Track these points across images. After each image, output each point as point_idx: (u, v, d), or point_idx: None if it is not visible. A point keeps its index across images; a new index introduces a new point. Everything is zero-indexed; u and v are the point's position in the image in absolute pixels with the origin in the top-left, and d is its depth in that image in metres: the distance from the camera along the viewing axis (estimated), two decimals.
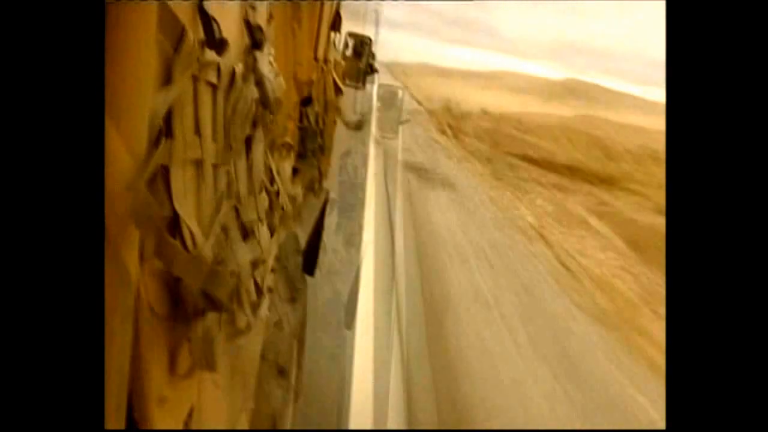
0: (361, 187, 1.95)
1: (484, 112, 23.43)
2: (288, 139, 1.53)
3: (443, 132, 16.74)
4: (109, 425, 0.56)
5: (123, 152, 0.52)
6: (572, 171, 14.86)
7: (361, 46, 3.49)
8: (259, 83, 1.00)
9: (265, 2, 1.14)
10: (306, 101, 1.91)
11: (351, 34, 3.69)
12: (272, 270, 1.35)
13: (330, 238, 1.32)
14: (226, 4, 0.85)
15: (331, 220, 1.36)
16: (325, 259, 1.29)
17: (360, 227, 2.24)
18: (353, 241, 2.09)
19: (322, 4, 1.97)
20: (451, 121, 19.63)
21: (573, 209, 10.21)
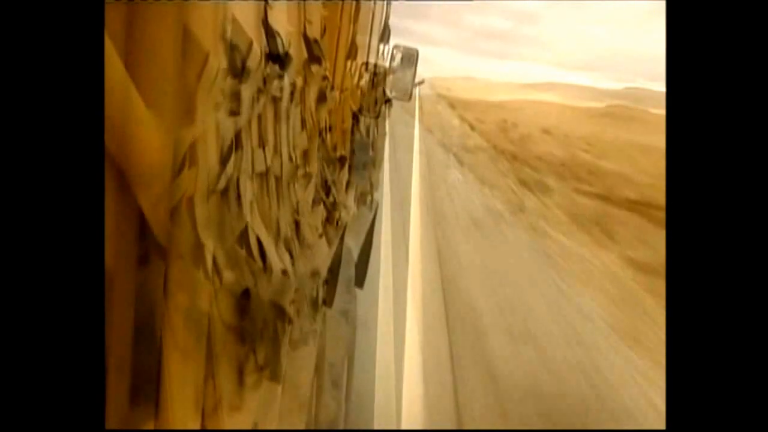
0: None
1: (546, 132, 20.31)
2: (343, 152, 1.54)
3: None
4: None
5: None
6: None
7: (409, 58, 3.50)
8: (318, 97, 1.01)
9: (319, 15, 1.16)
10: (357, 114, 1.93)
11: (397, 47, 3.71)
12: (325, 282, 1.35)
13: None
14: (284, 18, 0.86)
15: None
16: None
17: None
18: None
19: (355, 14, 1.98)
20: (512, 148, 15.37)
21: None
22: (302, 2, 0.96)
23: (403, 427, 3.06)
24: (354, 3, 1.68)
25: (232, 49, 0.60)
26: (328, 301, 1.43)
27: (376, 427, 3.03)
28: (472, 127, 18.80)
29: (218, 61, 0.56)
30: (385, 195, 7.31)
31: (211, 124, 0.57)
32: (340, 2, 1.46)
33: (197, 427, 0.58)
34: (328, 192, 1.24)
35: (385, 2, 2.83)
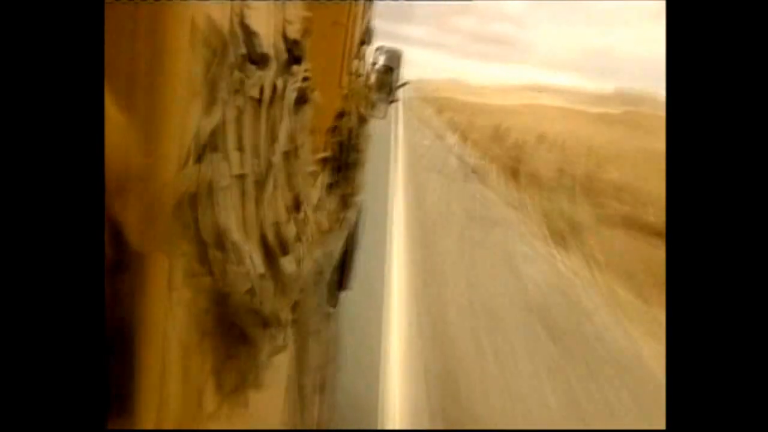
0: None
1: (542, 139, 18.87)
2: (325, 154, 1.53)
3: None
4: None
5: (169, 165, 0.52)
6: None
7: (393, 59, 3.51)
8: (299, 98, 1.00)
9: (301, 16, 1.15)
10: (340, 115, 1.92)
11: (380, 48, 3.72)
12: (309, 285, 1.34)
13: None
14: (264, 18, 0.85)
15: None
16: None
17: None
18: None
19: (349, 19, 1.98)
20: (510, 161, 14.28)
21: None
22: (283, 3, 0.95)
23: (399, 427, 3.07)
24: (350, 5, 1.68)
25: (208, 49, 0.60)
26: (329, 302, 1.43)
27: (368, 428, 3.03)
28: (465, 137, 18.51)
29: (195, 62, 0.56)
30: (378, 199, 7.34)
31: (193, 125, 0.56)
32: (339, 4, 1.46)
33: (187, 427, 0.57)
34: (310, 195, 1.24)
35: (370, 2, 2.84)
